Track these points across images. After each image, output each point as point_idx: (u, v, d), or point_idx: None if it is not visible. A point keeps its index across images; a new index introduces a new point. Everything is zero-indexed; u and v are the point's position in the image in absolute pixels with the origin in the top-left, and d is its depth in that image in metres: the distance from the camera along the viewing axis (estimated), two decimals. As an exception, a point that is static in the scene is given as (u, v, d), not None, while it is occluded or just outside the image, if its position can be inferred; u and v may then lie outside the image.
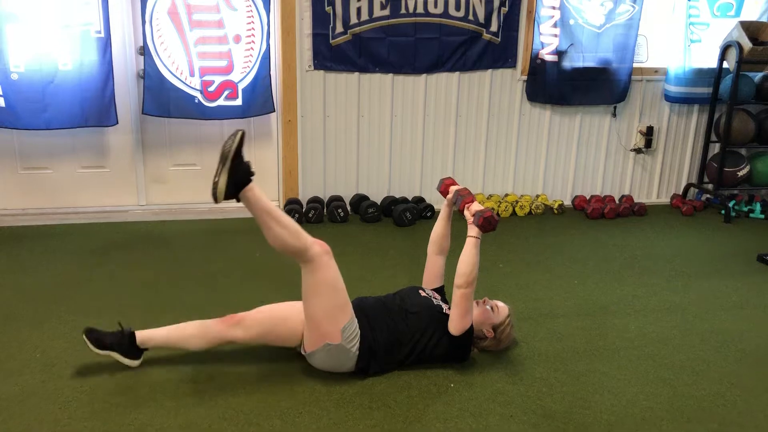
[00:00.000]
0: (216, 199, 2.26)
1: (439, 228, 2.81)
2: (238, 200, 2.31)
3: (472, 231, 2.49)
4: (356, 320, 2.44)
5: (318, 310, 2.37)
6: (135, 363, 2.47)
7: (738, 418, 2.31)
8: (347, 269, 3.62)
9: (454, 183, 2.79)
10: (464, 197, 2.62)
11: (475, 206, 2.56)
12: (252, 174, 2.31)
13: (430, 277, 2.86)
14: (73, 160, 4.56)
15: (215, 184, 2.24)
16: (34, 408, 2.23)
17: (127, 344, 2.44)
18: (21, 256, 3.76)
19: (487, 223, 2.47)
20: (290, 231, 2.33)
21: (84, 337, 2.42)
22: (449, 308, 2.58)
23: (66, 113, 4.18)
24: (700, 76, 5.09)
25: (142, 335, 2.46)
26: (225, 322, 2.48)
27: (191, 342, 2.48)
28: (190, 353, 2.60)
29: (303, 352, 2.48)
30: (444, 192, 2.78)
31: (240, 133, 2.27)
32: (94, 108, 4.22)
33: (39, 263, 3.64)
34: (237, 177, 2.26)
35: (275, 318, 2.51)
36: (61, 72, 4.10)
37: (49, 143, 4.45)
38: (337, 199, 4.74)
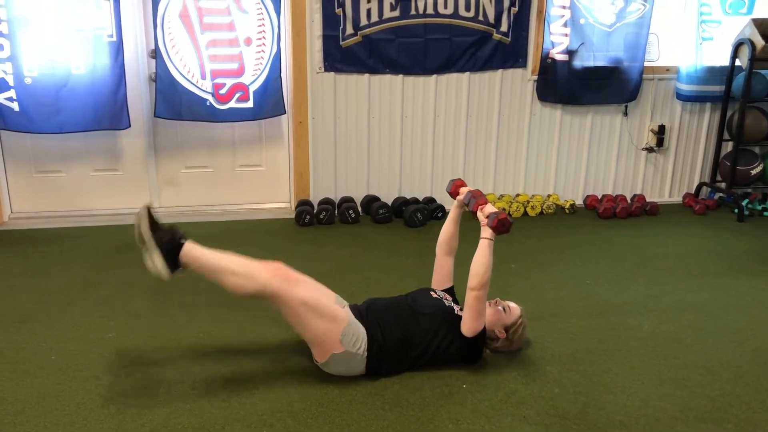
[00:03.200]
0: (164, 279, 2.28)
1: (448, 229, 2.81)
2: (185, 267, 2.32)
3: (486, 233, 2.49)
4: (355, 323, 2.44)
5: (308, 332, 2.38)
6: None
7: (753, 418, 2.29)
8: (358, 270, 3.65)
9: (463, 184, 2.78)
10: (477, 199, 2.61)
11: (489, 208, 2.55)
12: (181, 237, 2.30)
13: (440, 277, 2.85)
14: (86, 163, 4.59)
15: (153, 269, 2.26)
16: (50, 410, 2.24)
17: (172, 247, 2.27)
18: (35, 258, 3.79)
19: (501, 225, 2.46)
20: (242, 275, 2.30)
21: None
22: (460, 309, 2.58)
23: (79, 117, 4.22)
24: (712, 74, 5.06)
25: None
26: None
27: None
28: (202, 352, 2.62)
29: (316, 363, 2.49)
30: (453, 193, 2.78)
31: (143, 210, 2.28)
32: (107, 111, 4.26)
33: (53, 266, 3.67)
34: (167, 248, 2.26)
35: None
36: (73, 76, 4.14)
37: (62, 147, 4.48)
38: (348, 200, 4.75)
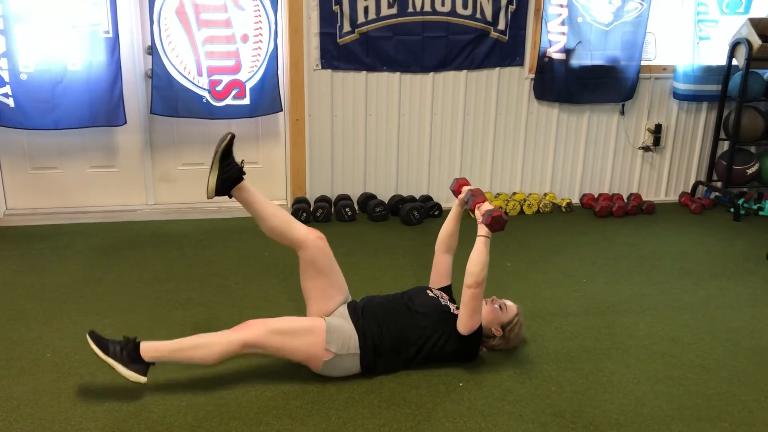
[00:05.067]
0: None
1: (449, 226, 2.81)
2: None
3: (482, 230, 2.49)
4: (336, 325, 2.43)
5: (295, 355, 2.38)
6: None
7: (749, 417, 2.30)
8: (355, 268, 3.65)
9: (467, 183, 2.79)
10: (476, 197, 2.62)
11: (485, 206, 2.56)
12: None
13: (438, 275, 2.85)
14: (82, 160, 4.58)
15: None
16: (45, 406, 2.24)
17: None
18: (30, 255, 3.78)
19: (496, 223, 2.46)
20: (205, 347, 2.29)
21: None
22: (457, 308, 2.58)
23: (75, 113, 4.20)
24: (709, 73, 5.07)
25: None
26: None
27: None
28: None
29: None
30: (457, 191, 2.78)
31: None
32: (103, 108, 4.24)
33: (48, 263, 3.66)
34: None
35: (335, 278, 2.62)
36: (69, 72, 4.12)
37: (58, 143, 4.47)
38: (344, 198, 4.74)
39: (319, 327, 2.39)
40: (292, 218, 2.62)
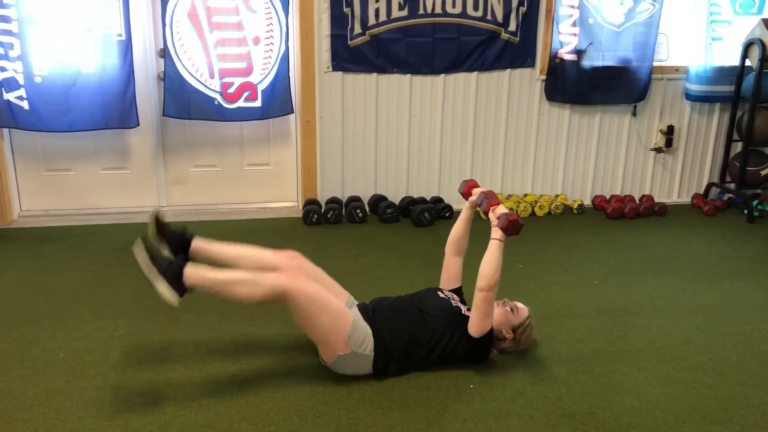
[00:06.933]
0: (172, 305, 2.29)
1: (459, 229, 2.81)
2: (191, 291, 2.32)
3: (496, 234, 2.49)
4: (361, 323, 2.44)
5: (317, 331, 2.39)
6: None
7: (761, 420, 2.28)
8: (365, 270, 3.66)
9: (476, 185, 2.78)
10: (490, 200, 2.61)
11: (501, 209, 2.55)
12: (183, 262, 2.30)
13: (448, 277, 2.85)
14: (95, 162, 4.61)
15: (162, 296, 2.27)
16: (58, 407, 2.26)
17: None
18: (44, 256, 3.81)
19: (512, 227, 2.46)
20: (250, 284, 2.31)
21: (154, 214, 2.38)
22: (468, 309, 2.58)
23: (88, 115, 4.23)
24: (721, 74, 5.03)
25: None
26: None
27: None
28: (210, 351, 2.63)
29: (323, 363, 2.49)
30: (466, 194, 2.78)
31: (138, 248, 2.28)
32: (116, 110, 4.27)
33: (62, 264, 3.69)
34: (168, 274, 2.27)
35: (326, 286, 2.54)
36: (83, 75, 4.15)
37: (71, 145, 4.50)
38: (355, 200, 4.75)
39: (348, 318, 2.40)
40: (259, 250, 2.58)
